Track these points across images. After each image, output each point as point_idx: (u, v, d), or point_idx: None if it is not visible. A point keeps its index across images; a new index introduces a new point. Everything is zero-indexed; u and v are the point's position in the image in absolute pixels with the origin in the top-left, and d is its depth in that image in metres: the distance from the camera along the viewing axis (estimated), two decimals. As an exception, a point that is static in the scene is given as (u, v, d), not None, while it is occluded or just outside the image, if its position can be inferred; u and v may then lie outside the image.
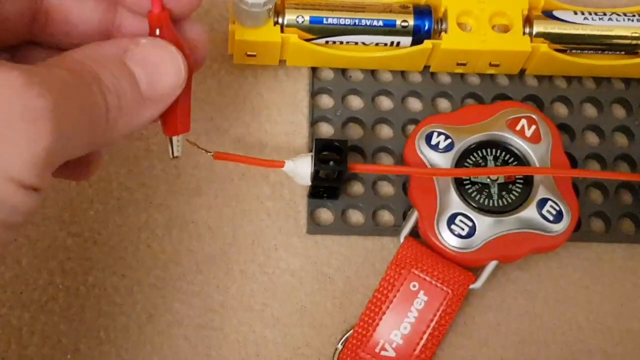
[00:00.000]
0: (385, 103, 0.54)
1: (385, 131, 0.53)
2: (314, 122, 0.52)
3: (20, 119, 0.29)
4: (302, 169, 0.47)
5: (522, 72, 0.54)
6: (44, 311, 0.48)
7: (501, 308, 0.50)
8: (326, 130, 0.52)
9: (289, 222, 0.51)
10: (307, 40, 0.51)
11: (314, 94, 0.53)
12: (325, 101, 0.53)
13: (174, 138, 0.41)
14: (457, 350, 0.49)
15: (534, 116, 0.50)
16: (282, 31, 0.50)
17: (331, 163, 0.46)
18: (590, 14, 0.52)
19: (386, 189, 0.52)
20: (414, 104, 0.53)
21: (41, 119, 0.29)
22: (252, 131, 0.52)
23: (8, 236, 0.31)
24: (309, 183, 0.47)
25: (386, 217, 0.51)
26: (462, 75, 0.54)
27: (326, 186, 0.48)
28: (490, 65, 0.52)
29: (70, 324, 0.48)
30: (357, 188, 0.51)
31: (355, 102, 0.54)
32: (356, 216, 0.51)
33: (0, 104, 0.29)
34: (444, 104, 0.54)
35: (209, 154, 0.46)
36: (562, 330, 0.50)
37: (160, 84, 0.36)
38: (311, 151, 0.49)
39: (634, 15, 0.52)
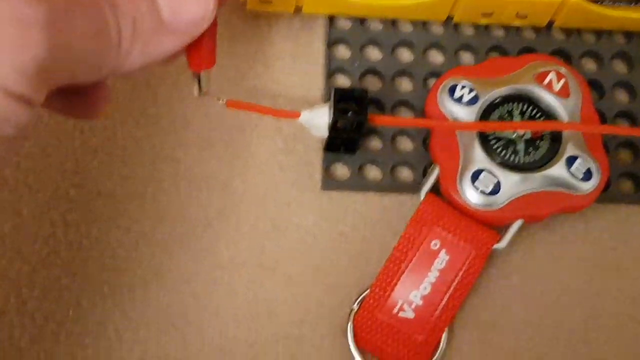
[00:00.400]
0: (406, 55, 0.51)
1: (405, 84, 0.51)
2: (330, 74, 0.50)
3: (9, 25, 0.28)
4: (319, 119, 0.45)
5: (550, 24, 0.51)
6: (45, 264, 0.45)
7: (525, 270, 0.48)
8: (343, 82, 0.50)
9: (303, 177, 0.48)
10: (325, -15, 0.48)
11: (330, 44, 0.51)
12: (342, 52, 0.51)
13: (201, 73, 0.39)
14: (478, 312, 0.47)
15: (562, 70, 0.48)
16: (299, -25, 0.47)
17: (350, 113, 0.44)
18: (623, -37, 0.49)
19: (405, 144, 0.49)
20: (436, 57, 0.51)
21: (31, 27, 0.28)
22: (264, 82, 0.50)
23: (6, 132, 0.30)
24: (326, 134, 0.45)
25: (405, 173, 0.49)
26: (486, 27, 0.51)
27: (344, 138, 0.46)
28: (517, 16, 0.50)
29: (73, 278, 0.46)
30: (375, 143, 0.49)
31: (374, 54, 0.51)
32: (374, 172, 0.49)
33: None
34: (467, 57, 0.51)
35: (220, 101, 0.43)
36: (588, 295, 0.48)
37: (184, 14, 0.34)
38: (328, 102, 0.46)
39: (670, -34, 0.50)
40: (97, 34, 0.31)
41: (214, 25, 0.37)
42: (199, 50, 0.38)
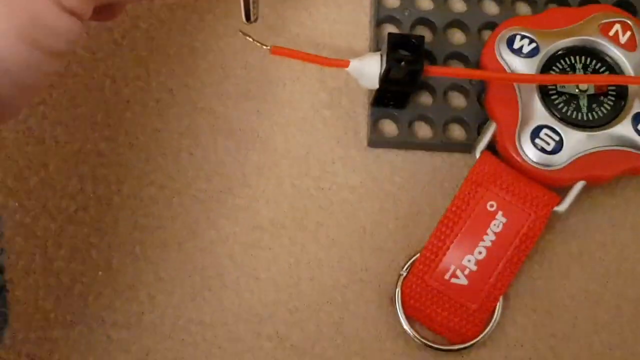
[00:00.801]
0: (459, 4, 0.48)
1: (458, 36, 0.48)
2: (378, 23, 0.46)
3: None
4: (369, 68, 0.42)
5: (614, -26, 0.47)
6: (73, 222, 0.43)
7: (585, 236, 0.45)
8: (392, 31, 0.46)
9: (348, 133, 0.45)
10: None
11: (379, -9, 0.47)
12: (392, 0, 0.47)
13: None
14: (534, 281, 0.44)
15: (629, 21, 0.45)
16: None
17: (404, 63, 0.41)
18: None
19: (458, 99, 0.46)
20: (491, 7, 0.48)
21: None
22: (308, 31, 0.47)
23: (51, 65, 0.31)
24: (376, 86, 0.42)
25: (457, 131, 0.45)
26: (545, -25, 0.48)
27: (395, 90, 0.43)
28: (580, -37, 0.46)
29: (102, 237, 0.43)
30: (426, 98, 0.46)
31: (425, 2, 0.48)
32: (424, 129, 0.46)
33: None
34: (524, 8, 0.48)
35: (265, 47, 0.40)
36: (653, 262, 0.45)
37: None
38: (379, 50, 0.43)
39: None
40: None
41: None
42: None
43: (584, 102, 0.43)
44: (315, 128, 0.45)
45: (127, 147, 0.44)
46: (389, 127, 0.45)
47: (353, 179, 0.44)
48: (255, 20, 0.40)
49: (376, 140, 0.45)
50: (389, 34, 0.41)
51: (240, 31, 0.42)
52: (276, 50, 0.41)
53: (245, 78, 0.45)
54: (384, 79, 0.41)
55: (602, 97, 0.43)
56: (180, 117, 0.44)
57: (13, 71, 0.29)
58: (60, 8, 0.29)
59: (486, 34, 0.47)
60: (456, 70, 0.45)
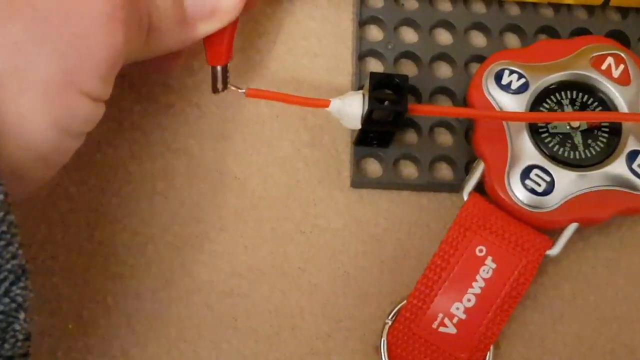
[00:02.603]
0: (444, 37, 0.46)
1: (444, 69, 0.46)
2: (360, 57, 0.45)
3: (101, 30, 0.31)
4: (351, 109, 0.40)
5: (605, 3, 0.46)
6: (42, 271, 0.41)
7: (577, 278, 0.43)
8: (375, 66, 0.45)
9: (330, 173, 0.43)
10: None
11: (361, 23, 0.45)
12: (374, 33, 0.46)
13: (219, 68, 0.39)
14: (526, 327, 0.42)
15: (622, 54, 0.43)
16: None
17: (387, 103, 0.39)
18: None
19: (445, 137, 0.44)
20: (478, 39, 0.46)
21: (115, 24, 0.31)
22: (287, 65, 0.45)
23: (78, 143, 0.33)
24: (359, 126, 0.40)
25: (444, 170, 0.44)
26: (534, 5, 0.46)
27: (378, 131, 0.41)
28: (569, -7, 0.44)
29: (73, 287, 0.41)
30: (411, 136, 0.44)
31: (409, 35, 0.46)
32: (409, 169, 0.44)
33: (78, 12, 0.30)
34: (512, 39, 0.46)
35: (240, 90, 0.39)
36: (649, 306, 0.43)
37: (207, 5, 0.37)
38: (359, 89, 0.41)
39: None
40: (137, 27, 0.33)
41: (235, 21, 0.38)
42: (218, 44, 0.38)
43: (578, 140, 0.41)
44: (295, 168, 0.43)
45: (98, 191, 0.42)
46: (373, 167, 0.43)
47: (336, 221, 0.43)
48: (224, 89, 0.40)
49: (359, 180, 0.43)
50: (371, 73, 0.39)
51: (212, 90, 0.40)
52: (252, 93, 0.39)
53: (222, 116, 0.43)
54: (367, 119, 0.39)
55: (596, 131, 0.42)
56: (153, 158, 0.43)
57: (46, 156, 0.31)
58: (90, 98, 0.31)
59: (473, 67, 0.45)
60: (442, 109, 0.43)
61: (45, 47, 0.30)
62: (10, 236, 0.28)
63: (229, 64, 0.40)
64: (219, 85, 0.40)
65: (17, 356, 0.29)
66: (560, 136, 0.41)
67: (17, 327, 0.29)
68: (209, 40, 0.38)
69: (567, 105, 0.43)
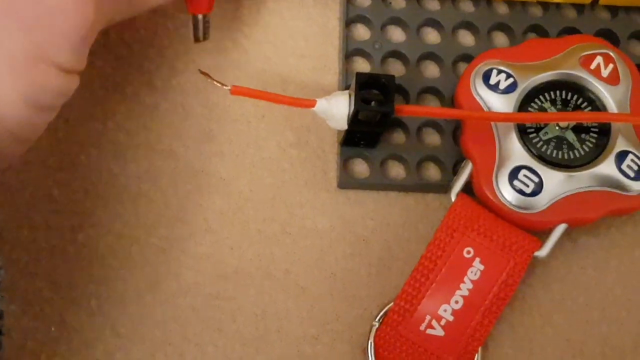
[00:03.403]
0: (432, 36, 0.46)
1: (432, 69, 0.45)
2: (347, 56, 0.44)
3: (68, 1, 0.30)
4: (337, 109, 0.39)
5: (595, 2, 0.46)
6: (25, 274, 0.40)
7: (566, 280, 0.43)
8: (362, 66, 0.44)
9: (317, 174, 0.43)
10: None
11: (347, 22, 0.45)
12: (361, 32, 0.45)
13: (199, 16, 0.39)
14: (515, 328, 0.42)
15: (611, 53, 0.42)
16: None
17: (373, 103, 0.38)
18: None
19: (432, 137, 0.44)
20: (466, 38, 0.46)
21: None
22: (273, 66, 0.44)
23: (50, 117, 0.33)
24: (345, 127, 0.39)
25: (432, 170, 0.43)
26: (523, 4, 0.46)
27: (364, 131, 0.40)
28: (558, -9, 0.44)
29: (56, 290, 0.40)
30: (398, 136, 0.43)
31: (397, 34, 0.46)
32: (396, 169, 0.43)
33: None
34: (501, 38, 0.46)
35: (225, 87, 0.38)
36: (638, 306, 0.43)
37: None
38: (346, 89, 0.41)
39: None
40: None
41: None
42: None
43: (572, 138, 0.41)
44: (281, 169, 0.43)
45: (82, 193, 0.41)
46: (360, 167, 0.43)
47: (322, 222, 0.42)
48: (205, 39, 0.40)
49: (346, 181, 0.42)
50: (357, 73, 0.38)
51: (199, 70, 0.39)
52: (236, 90, 0.38)
53: (207, 117, 0.43)
54: (353, 120, 0.39)
55: (584, 135, 0.41)
56: (138, 160, 0.42)
57: (16, 131, 0.31)
58: (61, 70, 0.31)
59: (461, 66, 0.44)
60: (429, 110, 0.42)
61: (12, 20, 0.30)
62: None
63: (210, 14, 0.40)
64: (200, 35, 0.40)
65: None
66: (554, 141, 0.41)
67: None
68: None
69: (559, 105, 0.42)
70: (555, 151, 0.41)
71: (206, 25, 0.40)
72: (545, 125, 0.41)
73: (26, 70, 0.30)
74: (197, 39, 0.40)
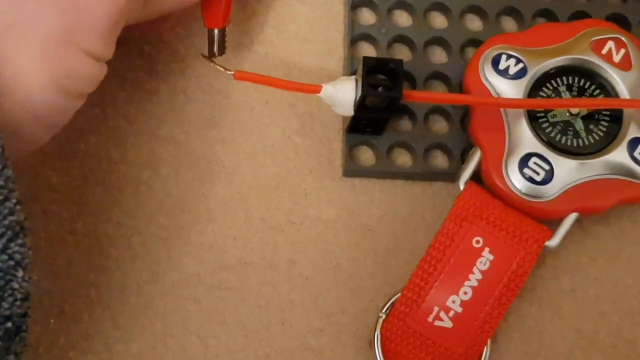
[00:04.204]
0: (439, 20, 0.45)
1: (439, 54, 0.44)
2: (352, 42, 0.43)
3: None
4: (343, 95, 0.38)
5: (605, -15, 0.44)
6: (22, 265, 0.38)
7: (577, 270, 0.42)
8: (367, 51, 0.44)
9: (322, 162, 0.42)
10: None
11: (353, 6, 0.44)
12: (367, 16, 0.44)
13: (216, 31, 0.39)
14: (524, 320, 0.41)
15: (623, 38, 0.41)
16: None
17: (381, 89, 0.37)
18: None
19: (440, 124, 0.43)
20: (474, 22, 0.45)
21: None
22: (276, 50, 0.43)
23: (78, 104, 0.33)
24: (351, 113, 0.38)
25: (439, 158, 0.42)
26: (532, -12, 0.45)
27: (371, 117, 0.39)
28: (568, -26, 0.43)
29: (55, 280, 0.39)
30: (405, 123, 0.42)
31: (403, 18, 0.45)
32: (403, 157, 0.42)
33: None
34: (509, 23, 0.45)
35: (228, 72, 0.37)
36: (650, 298, 0.42)
37: None
38: (352, 75, 0.40)
39: None
40: None
41: None
42: (216, 5, 0.38)
43: (580, 126, 0.40)
44: (286, 157, 0.42)
45: (81, 180, 0.40)
46: (366, 155, 0.42)
47: (327, 211, 0.41)
48: (221, 54, 0.39)
49: (352, 169, 0.42)
50: (364, 57, 0.37)
51: (202, 54, 0.38)
52: (240, 76, 0.37)
53: (209, 103, 0.42)
54: (360, 106, 0.38)
55: (597, 115, 0.40)
56: (138, 147, 0.41)
57: (44, 116, 0.31)
58: (90, 56, 0.31)
59: (469, 51, 0.44)
60: (438, 96, 0.42)
61: (45, 2, 0.30)
62: (7, 191, 0.28)
63: (226, 28, 0.39)
64: (215, 50, 0.39)
65: (15, 315, 0.29)
66: (561, 125, 0.40)
67: (16, 285, 0.28)
68: (206, 1, 0.38)
69: (565, 91, 0.41)
70: (566, 138, 0.40)
71: (222, 40, 0.39)
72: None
73: (57, 54, 0.30)
74: (212, 54, 0.39)
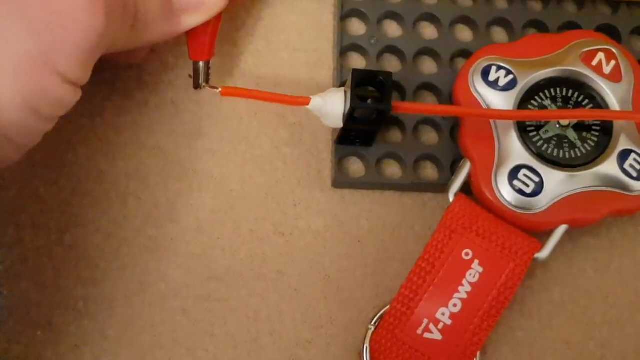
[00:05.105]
0: (429, 31, 0.45)
1: (429, 65, 0.44)
2: (342, 52, 0.43)
3: (80, 10, 0.30)
4: (332, 107, 0.38)
5: (595, -4, 0.44)
6: (10, 276, 0.39)
7: (567, 282, 0.42)
8: (357, 62, 0.43)
9: (311, 173, 0.42)
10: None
11: (343, 17, 0.44)
12: (357, 26, 0.44)
13: (201, 64, 0.39)
14: (514, 332, 0.41)
15: (613, 49, 0.41)
16: None
17: (370, 101, 0.37)
18: None
19: (430, 135, 0.43)
20: (464, 33, 0.44)
21: (96, 5, 0.30)
22: (266, 60, 0.43)
23: (48, 127, 0.32)
24: (340, 125, 0.38)
25: (429, 169, 0.42)
26: (522, -2, 0.44)
27: (361, 130, 0.39)
28: (558, -15, 0.43)
29: (42, 292, 0.39)
30: (395, 134, 0.42)
31: (393, 29, 0.44)
32: (393, 167, 0.42)
33: None
34: (499, 34, 0.45)
35: (215, 90, 0.37)
36: (640, 309, 0.41)
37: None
38: (341, 85, 0.39)
39: None
40: (121, 15, 0.32)
41: (219, 15, 0.38)
42: (202, 38, 0.38)
43: (573, 136, 0.40)
44: (274, 167, 0.41)
45: (69, 191, 0.40)
46: (355, 166, 0.42)
47: (316, 222, 0.41)
48: (204, 87, 0.39)
49: (341, 180, 0.41)
50: (353, 70, 0.37)
51: (189, 75, 0.40)
52: (227, 92, 0.38)
53: (198, 113, 0.42)
54: (349, 118, 0.38)
55: (585, 133, 0.40)
56: (127, 157, 0.41)
57: (12, 135, 0.31)
58: (63, 80, 0.31)
59: (459, 62, 0.43)
60: (427, 107, 0.41)
61: (21, 23, 0.29)
62: None
63: (210, 60, 0.39)
64: (201, 82, 0.39)
65: None
66: (555, 139, 0.40)
67: None
68: (191, 34, 0.38)
69: (559, 102, 0.41)
70: (556, 150, 0.40)
71: (207, 72, 0.39)
72: (546, 123, 0.40)
73: (30, 75, 0.30)
74: (197, 87, 0.39)
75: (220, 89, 0.37)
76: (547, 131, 0.40)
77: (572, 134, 0.40)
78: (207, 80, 0.39)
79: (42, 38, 0.30)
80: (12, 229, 0.39)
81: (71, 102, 0.32)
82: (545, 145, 0.40)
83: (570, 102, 0.41)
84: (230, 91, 0.37)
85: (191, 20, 0.37)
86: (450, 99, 0.42)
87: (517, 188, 0.39)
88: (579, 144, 0.40)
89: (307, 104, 0.38)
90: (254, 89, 0.38)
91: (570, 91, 0.41)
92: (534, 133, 0.40)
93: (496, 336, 0.40)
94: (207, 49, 0.39)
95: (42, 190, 0.40)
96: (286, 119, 0.42)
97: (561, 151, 0.40)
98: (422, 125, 0.42)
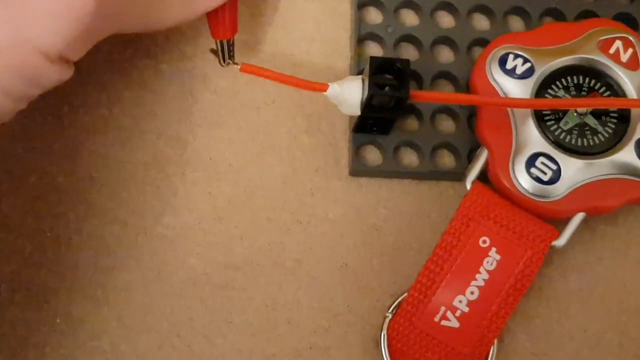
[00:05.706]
0: (446, 19, 0.45)
1: (446, 53, 0.44)
2: (359, 41, 0.43)
3: None
4: (350, 94, 0.38)
5: (613, -16, 0.44)
6: (29, 265, 0.39)
7: (584, 270, 0.42)
8: (374, 50, 0.43)
9: (328, 162, 0.42)
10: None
11: (359, 6, 0.44)
12: (374, 15, 0.44)
13: (224, 41, 0.39)
14: (531, 320, 0.41)
15: (631, 38, 0.41)
16: None
17: (388, 88, 0.37)
18: None
19: (447, 123, 0.43)
20: (481, 22, 0.44)
21: None
22: (284, 50, 0.43)
23: (35, 93, 0.32)
24: (358, 113, 0.38)
25: (446, 158, 0.42)
26: (539, -13, 0.44)
27: (378, 117, 0.39)
28: (576, -26, 0.43)
29: (61, 280, 0.39)
30: (412, 122, 0.42)
31: (410, 18, 0.44)
32: (410, 156, 0.42)
33: None
34: (516, 22, 0.45)
35: (235, 65, 0.38)
36: (658, 297, 0.41)
37: None
38: (358, 74, 0.39)
39: None
40: None
41: None
42: (222, 17, 0.38)
43: (594, 122, 0.40)
44: (292, 156, 0.41)
45: (88, 181, 0.40)
46: (373, 155, 0.42)
47: (334, 211, 0.41)
48: (230, 62, 0.40)
49: (358, 168, 0.41)
50: (371, 57, 0.37)
51: (210, 50, 0.39)
52: (246, 68, 0.38)
53: (216, 103, 0.42)
54: (366, 106, 0.38)
55: (603, 121, 0.40)
56: (145, 147, 0.41)
57: None
58: (48, 59, 0.30)
59: (476, 51, 0.43)
60: (445, 96, 0.41)
61: None
62: None
63: (234, 38, 0.39)
64: (224, 59, 0.39)
65: None
66: (576, 129, 0.39)
67: None
68: (211, 15, 0.38)
69: (575, 90, 0.41)
70: (573, 138, 0.39)
71: (230, 49, 0.39)
72: (565, 114, 0.40)
73: (9, 55, 0.29)
74: (222, 63, 0.40)
75: (239, 65, 0.37)
76: (567, 122, 0.40)
77: (592, 121, 0.40)
78: (230, 58, 0.39)
79: (11, 11, 0.29)
80: (31, 218, 0.40)
81: (60, 77, 0.32)
82: (563, 133, 0.39)
83: (584, 88, 0.41)
84: (250, 68, 0.38)
85: (208, 2, 0.37)
86: (467, 88, 0.42)
87: (534, 176, 0.39)
88: (600, 128, 0.40)
89: (325, 90, 0.38)
90: (274, 70, 0.38)
91: (588, 79, 0.41)
92: (554, 125, 0.40)
93: (513, 324, 0.40)
94: (229, 28, 0.38)
95: (60, 180, 0.40)
96: (304, 108, 0.42)
97: (579, 139, 0.39)
98: (440, 113, 0.43)
